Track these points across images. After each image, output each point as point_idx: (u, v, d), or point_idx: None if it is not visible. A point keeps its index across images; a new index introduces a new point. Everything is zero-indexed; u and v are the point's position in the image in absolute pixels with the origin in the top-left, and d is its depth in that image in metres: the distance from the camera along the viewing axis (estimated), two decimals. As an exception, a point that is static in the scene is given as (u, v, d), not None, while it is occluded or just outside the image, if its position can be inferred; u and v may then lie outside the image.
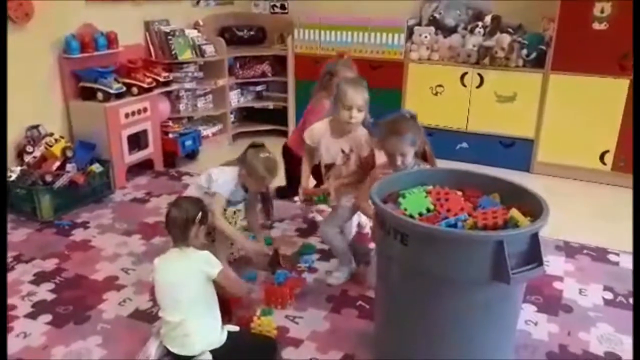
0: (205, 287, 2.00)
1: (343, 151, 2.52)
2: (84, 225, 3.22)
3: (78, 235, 3.10)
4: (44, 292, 2.54)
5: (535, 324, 2.35)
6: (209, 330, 1.98)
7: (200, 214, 2.02)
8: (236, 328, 2.10)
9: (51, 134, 3.45)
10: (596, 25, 3.70)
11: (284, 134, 4.74)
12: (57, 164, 3.35)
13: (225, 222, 2.47)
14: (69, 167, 3.36)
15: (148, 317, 2.34)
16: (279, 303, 2.42)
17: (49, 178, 3.24)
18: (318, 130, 2.58)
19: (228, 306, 2.25)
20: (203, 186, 2.49)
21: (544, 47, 3.97)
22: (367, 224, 2.98)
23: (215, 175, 2.47)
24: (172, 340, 1.98)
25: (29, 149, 3.35)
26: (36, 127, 3.45)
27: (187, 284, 1.95)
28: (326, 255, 2.86)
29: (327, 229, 2.60)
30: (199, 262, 1.97)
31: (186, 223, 1.97)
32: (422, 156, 2.36)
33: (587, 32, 3.71)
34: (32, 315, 2.36)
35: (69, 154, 3.40)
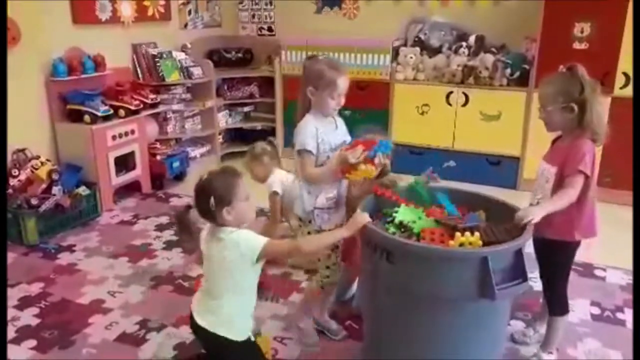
0: (247, 273, 1.69)
1: None
2: (70, 248, 3.19)
3: (64, 258, 3.07)
4: (29, 317, 2.50)
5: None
6: (237, 322, 1.74)
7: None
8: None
9: (37, 157, 3.43)
10: (576, 45, 3.79)
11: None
12: (43, 187, 3.33)
13: (317, 170, 2.01)
14: (55, 190, 3.34)
15: (135, 340, 2.31)
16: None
17: (34, 201, 3.21)
18: None
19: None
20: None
21: (526, 66, 4.04)
22: None
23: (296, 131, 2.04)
24: (204, 308, 1.76)
25: (15, 172, 3.32)
26: (22, 150, 3.43)
27: (226, 271, 1.68)
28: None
29: None
30: (237, 246, 1.64)
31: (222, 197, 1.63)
32: None
33: (568, 51, 3.78)
34: (15, 341, 2.32)
35: (55, 176, 3.37)
